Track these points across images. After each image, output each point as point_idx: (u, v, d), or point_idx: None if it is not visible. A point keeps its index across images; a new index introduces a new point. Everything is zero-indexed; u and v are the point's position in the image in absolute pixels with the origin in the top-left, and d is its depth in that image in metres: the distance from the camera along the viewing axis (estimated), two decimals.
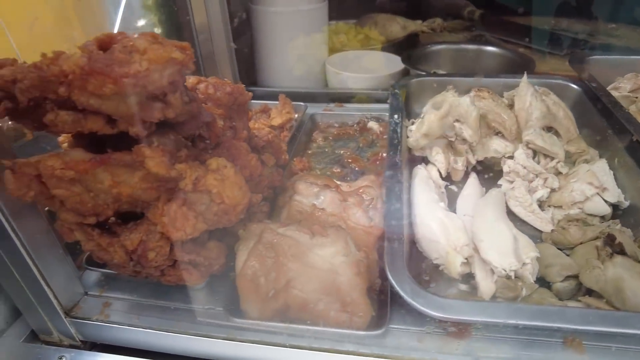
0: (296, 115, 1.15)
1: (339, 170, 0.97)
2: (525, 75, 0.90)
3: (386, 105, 1.18)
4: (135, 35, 0.45)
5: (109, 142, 0.55)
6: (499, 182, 0.84)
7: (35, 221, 0.60)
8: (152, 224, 0.54)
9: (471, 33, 1.64)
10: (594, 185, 0.74)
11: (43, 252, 0.61)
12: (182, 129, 0.53)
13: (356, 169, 0.97)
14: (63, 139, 0.64)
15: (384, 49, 1.48)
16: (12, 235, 0.57)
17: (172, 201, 0.51)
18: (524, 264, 0.63)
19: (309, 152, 1.05)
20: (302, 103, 1.19)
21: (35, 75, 0.45)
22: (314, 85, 1.37)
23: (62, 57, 0.43)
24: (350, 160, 1.00)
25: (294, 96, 1.18)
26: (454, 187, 0.86)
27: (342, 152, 1.04)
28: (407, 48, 1.54)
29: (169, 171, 0.47)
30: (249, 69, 1.42)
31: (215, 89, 0.62)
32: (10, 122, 0.63)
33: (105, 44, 0.45)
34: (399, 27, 1.56)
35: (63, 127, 0.49)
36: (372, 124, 1.11)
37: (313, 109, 1.19)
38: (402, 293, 0.55)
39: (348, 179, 0.93)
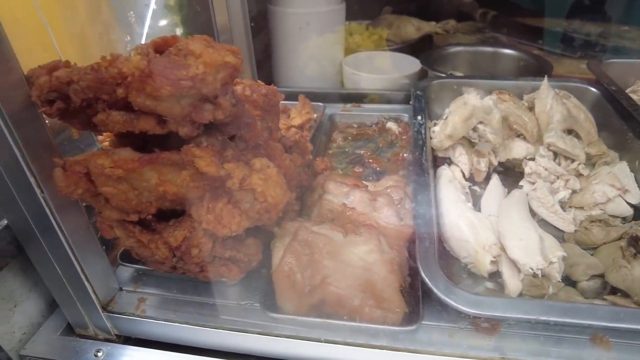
0: (315, 116, 1.16)
1: (360, 170, 0.99)
2: (546, 79, 0.91)
3: (404, 106, 1.20)
4: (188, 39, 0.47)
5: (152, 141, 0.57)
6: (520, 183, 0.86)
7: (77, 217, 0.61)
8: (194, 221, 0.56)
9: (484, 35, 1.65)
10: (616, 187, 0.76)
11: (84, 248, 0.62)
12: (225, 129, 0.55)
13: (377, 169, 0.99)
14: (103, 137, 0.66)
15: (397, 50, 1.50)
16: (57, 230, 0.58)
17: (218, 199, 0.52)
18: (550, 262, 0.65)
19: (330, 152, 1.07)
20: (320, 103, 1.20)
21: (92, 77, 0.47)
22: (330, 85, 1.39)
23: (119, 60, 0.45)
24: (371, 160, 1.01)
25: (311, 96, 1.19)
26: (475, 188, 0.88)
27: (362, 152, 1.05)
28: (421, 49, 1.56)
29: (219, 171, 0.49)
30: (265, 69, 1.43)
31: (251, 91, 0.64)
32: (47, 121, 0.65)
33: (161, 47, 0.47)
34: (413, 28, 1.58)
35: (113, 127, 0.51)
36: (391, 125, 1.13)
37: (331, 109, 1.21)
38: (436, 290, 0.57)
39: (370, 178, 0.95)
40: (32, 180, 0.54)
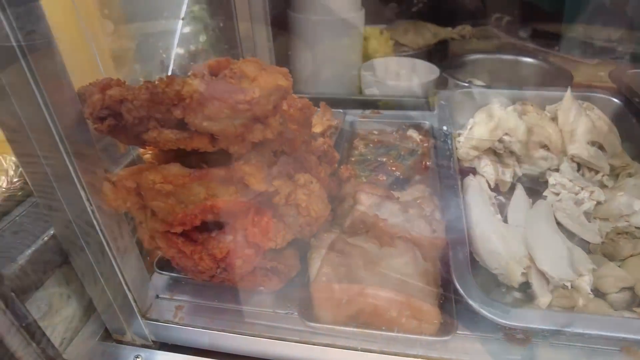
0: (335, 122, 1.18)
1: (384, 177, 1.00)
2: (569, 90, 0.92)
3: (423, 113, 1.21)
4: (241, 61, 0.49)
5: (195, 154, 0.58)
6: (544, 194, 0.87)
7: (120, 228, 0.63)
8: (239, 233, 0.58)
9: (499, 40, 1.66)
10: None
11: (125, 257, 0.64)
12: (270, 145, 0.56)
13: (400, 176, 1.00)
14: (144, 150, 0.67)
15: (413, 55, 1.51)
16: (103, 240, 0.60)
17: (264, 213, 0.54)
18: (580, 275, 0.66)
19: (352, 159, 1.08)
20: (340, 110, 1.22)
21: (146, 96, 0.49)
22: (348, 91, 1.40)
23: (177, 82, 0.47)
24: (393, 168, 1.03)
25: (330, 103, 1.20)
26: (500, 198, 0.89)
27: (384, 159, 1.07)
28: (436, 54, 1.57)
29: (269, 188, 0.51)
30: None
31: (288, 106, 0.65)
32: None
33: (215, 69, 0.49)
34: (429, 33, 1.59)
35: (165, 144, 0.53)
36: (412, 132, 1.14)
37: (351, 116, 1.22)
38: (472, 303, 0.58)
39: (395, 187, 0.96)
40: (82, 193, 0.55)
